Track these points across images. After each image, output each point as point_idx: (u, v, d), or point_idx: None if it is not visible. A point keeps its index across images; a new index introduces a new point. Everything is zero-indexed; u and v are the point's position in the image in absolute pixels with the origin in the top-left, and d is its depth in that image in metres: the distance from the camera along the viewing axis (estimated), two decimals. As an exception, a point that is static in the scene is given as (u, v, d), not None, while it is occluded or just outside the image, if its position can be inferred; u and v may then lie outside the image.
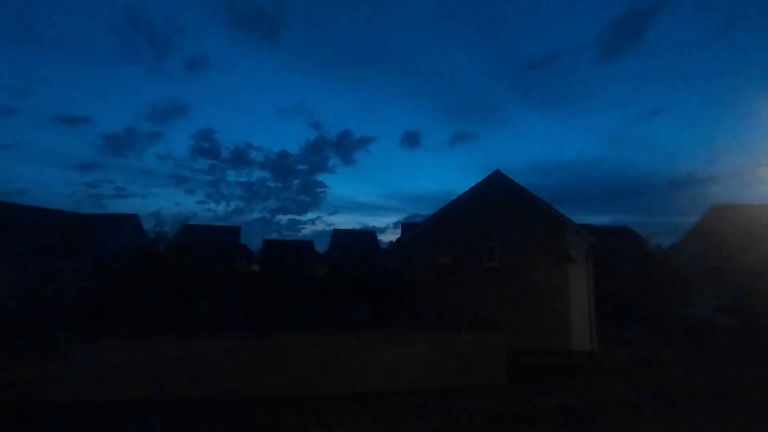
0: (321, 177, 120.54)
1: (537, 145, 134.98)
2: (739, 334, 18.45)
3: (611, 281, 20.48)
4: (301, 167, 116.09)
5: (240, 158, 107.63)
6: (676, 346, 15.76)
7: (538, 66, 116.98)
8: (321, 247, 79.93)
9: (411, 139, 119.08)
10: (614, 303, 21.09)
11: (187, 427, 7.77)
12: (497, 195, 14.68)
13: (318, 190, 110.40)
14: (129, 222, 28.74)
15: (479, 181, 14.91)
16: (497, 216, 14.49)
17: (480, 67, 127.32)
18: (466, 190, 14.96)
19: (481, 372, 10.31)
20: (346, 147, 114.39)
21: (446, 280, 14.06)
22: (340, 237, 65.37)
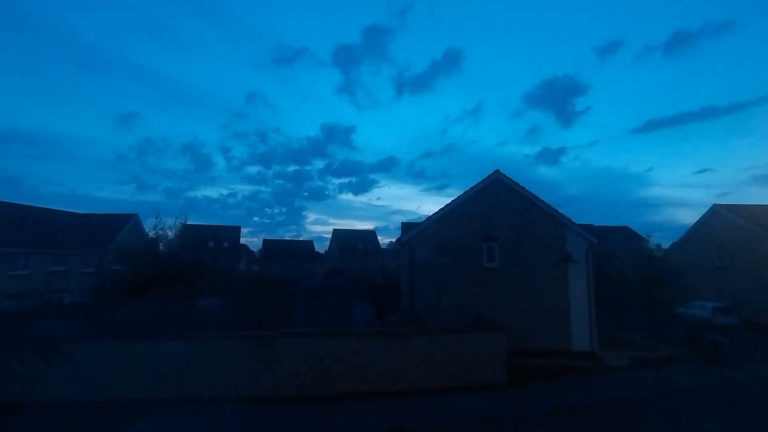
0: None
1: None
2: (739, 334, 18.44)
3: (611, 281, 20.47)
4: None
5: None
6: (676, 346, 15.75)
7: None
8: (321, 246, 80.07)
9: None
10: (614, 303, 21.07)
11: (188, 427, 7.77)
12: (497, 195, 14.66)
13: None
14: (129, 222, 28.73)
15: (479, 181, 14.92)
16: (497, 216, 14.47)
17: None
18: (465, 190, 14.95)
19: (481, 372, 10.31)
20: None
21: (446, 280, 14.04)
22: (341, 237, 65.32)
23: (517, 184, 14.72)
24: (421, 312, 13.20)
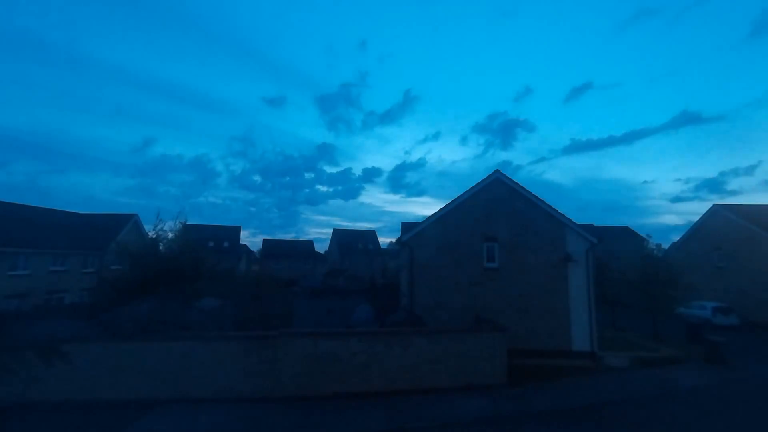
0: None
1: None
2: (739, 333, 18.45)
3: (611, 281, 20.45)
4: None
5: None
6: (676, 346, 15.75)
7: None
8: (321, 247, 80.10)
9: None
10: (614, 303, 21.06)
11: (188, 427, 7.77)
12: (497, 195, 14.66)
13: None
14: (129, 222, 28.73)
15: (479, 181, 14.92)
16: (497, 216, 14.47)
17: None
18: (465, 190, 14.96)
19: (481, 372, 10.31)
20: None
21: (446, 280, 14.05)
22: (341, 237, 65.27)
23: (517, 184, 14.71)
24: (421, 312, 13.20)
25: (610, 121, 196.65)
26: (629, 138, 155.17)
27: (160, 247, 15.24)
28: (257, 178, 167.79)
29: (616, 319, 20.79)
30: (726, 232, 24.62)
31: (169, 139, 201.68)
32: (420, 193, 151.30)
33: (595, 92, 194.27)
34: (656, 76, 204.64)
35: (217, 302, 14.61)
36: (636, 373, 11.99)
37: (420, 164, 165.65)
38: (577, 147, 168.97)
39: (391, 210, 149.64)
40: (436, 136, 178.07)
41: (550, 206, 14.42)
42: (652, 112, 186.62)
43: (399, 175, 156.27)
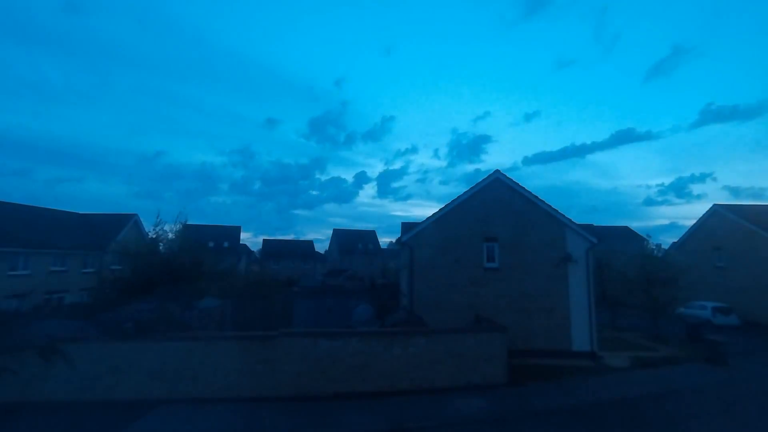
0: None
1: None
2: (739, 334, 18.44)
3: (611, 281, 20.45)
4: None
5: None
6: (676, 346, 15.75)
7: None
8: (321, 247, 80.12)
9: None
10: (614, 303, 21.06)
11: (188, 427, 7.77)
12: (497, 195, 14.66)
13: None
14: (129, 222, 28.73)
15: (479, 181, 14.93)
16: (497, 216, 14.47)
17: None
18: (465, 190, 14.97)
19: (481, 372, 10.31)
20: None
21: (446, 280, 14.05)
22: (341, 237, 65.27)
23: (517, 184, 14.71)
24: (421, 312, 13.20)
25: (562, 138, 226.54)
26: (581, 151, 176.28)
27: (160, 247, 15.26)
28: (257, 184, 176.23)
29: (616, 319, 20.79)
30: (726, 232, 24.61)
31: (177, 150, 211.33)
32: (406, 197, 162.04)
33: (543, 117, 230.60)
34: (587, 104, 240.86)
35: (217, 302, 14.62)
36: (636, 373, 11.98)
37: (403, 172, 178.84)
38: (536, 159, 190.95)
39: (378, 212, 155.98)
40: (413, 150, 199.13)
41: (550, 206, 14.42)
42: (592, 131, 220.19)
43: (384, 183, 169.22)
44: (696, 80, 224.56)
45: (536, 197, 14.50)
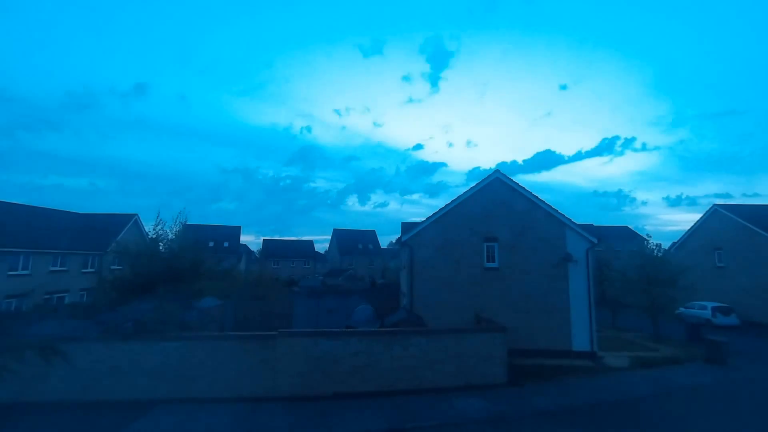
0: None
1: None
2: (739, 334, 18.43)
3: (611, 281, 20.42)
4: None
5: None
6: (677, 346, 15.74)
7: None
8: (321, 247, 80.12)
9: None
10: (614, 303, 21.05)
11: (187, 427, 7.77)
12: (497, 195, 14.65)
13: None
14: (129, 222, 28.72)
15: (479, 181, 14.92)
16: (497, 216, 14.46)
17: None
18: (465, 190, 14.97)
19: (481, 372, 10.31)
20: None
21: (446, 280, 14.04)
22: (341, 237, 65.22)
23: (517, 184, 14.71)
24: (421, 312, 13.20)
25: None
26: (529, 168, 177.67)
27: (160, 247, 15.23)
28: (256, 192, 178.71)
29: (616, 319, 20.79)
30: (726, 232, 24.60)
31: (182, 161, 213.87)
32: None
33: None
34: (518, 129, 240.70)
35: (217, 302, 14.63)
36: (636, 373, 11.98)
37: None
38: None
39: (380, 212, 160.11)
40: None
41: (550, 206, 14.42)
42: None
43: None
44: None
45: (536, 197, 14.50)
